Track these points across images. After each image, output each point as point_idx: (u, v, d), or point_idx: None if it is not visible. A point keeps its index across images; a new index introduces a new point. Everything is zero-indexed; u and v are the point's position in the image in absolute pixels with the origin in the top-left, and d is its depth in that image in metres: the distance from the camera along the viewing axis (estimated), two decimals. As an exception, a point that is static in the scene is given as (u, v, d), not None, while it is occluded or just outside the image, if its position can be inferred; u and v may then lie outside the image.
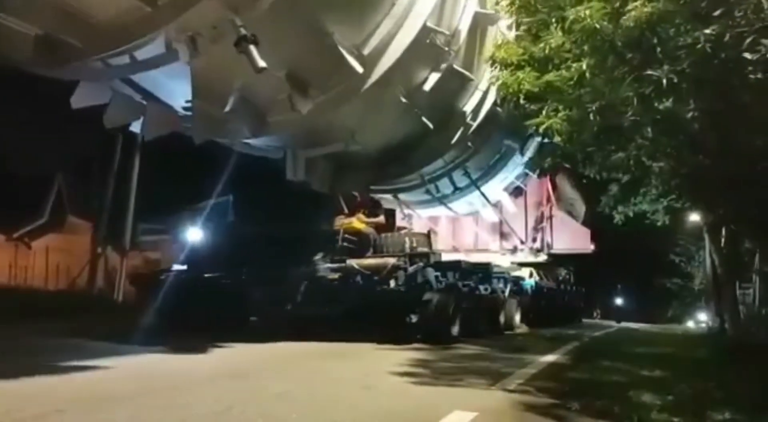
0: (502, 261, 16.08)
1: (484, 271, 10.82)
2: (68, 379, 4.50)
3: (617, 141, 6.28)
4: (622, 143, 6.32)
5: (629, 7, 5.03)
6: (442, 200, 14.13)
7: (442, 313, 7.98)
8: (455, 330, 8.35)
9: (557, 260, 17.90)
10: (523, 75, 6.23)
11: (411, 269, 8.04)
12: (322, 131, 8.55)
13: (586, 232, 16.88)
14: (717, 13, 4.70)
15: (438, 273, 8.46)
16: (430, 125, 9.07)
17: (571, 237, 17.37)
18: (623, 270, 25.89)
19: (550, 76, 5.98)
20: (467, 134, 10.71)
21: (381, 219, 8.89)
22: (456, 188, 13.08)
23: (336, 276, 8.12)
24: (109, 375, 4.74)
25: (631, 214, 10.27)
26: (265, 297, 8.46)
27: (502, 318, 10.78)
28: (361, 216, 9.05)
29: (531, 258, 16.92)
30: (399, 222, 15.40)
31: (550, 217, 17.76)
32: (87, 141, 13.96)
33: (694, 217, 12.35)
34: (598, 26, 5.30)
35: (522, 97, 6.33)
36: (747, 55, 4.64)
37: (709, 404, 4.19)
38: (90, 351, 6.00)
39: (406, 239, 8.37)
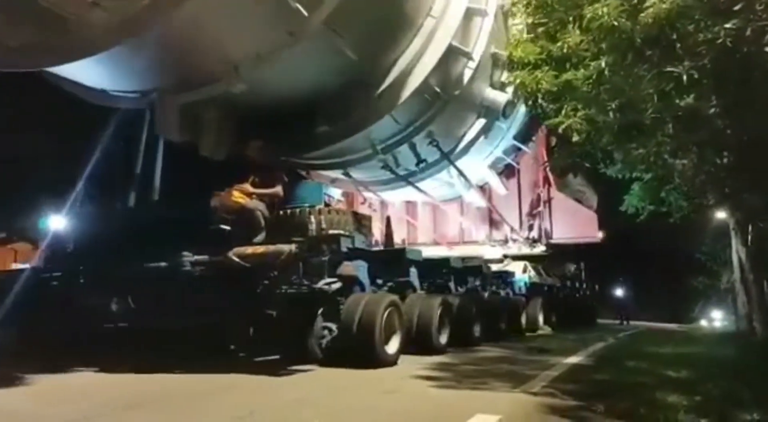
0: (491, 254, 15.33)
1: (446, 266, 9.54)
2: None
3: (638, 139, 6.65)
4: (643, 141, 6.67)
5: (647, 3, 5.44)
6: (407, 179, 12.38)
7: (371, 323, 6.30)
8: (393, 346, 6.75)
9: (560, 252, 16.79)
10: (541, 74, 6.61)
11: (315, 260, 6.31)
12: (185, 62, 6.64)
13: (592, 218, 15.70)
14: (737, 7, 5.06)
15: (374, 268, 7.28)
16: (353, 56, 7.18)
17: (573, 223, 15.91)
18: (641, 267, 26.36)
19: (568, 75, 6.42)
20: (420, 83, 8.70)
21: (277, 190, 7.35)
22: (420, 161, 11.20)
23: (205, 273, 6.35)
24: None
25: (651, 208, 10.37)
26: (107, 305, 6.55)
27: (477, 329, 9.37)
28: (245, 186, 7.23)
29: (526, 250, 15.79)
30: (359, 208, 14.59)
31: (549, 201, 16.21)
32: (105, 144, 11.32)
33: (720, 214, 12.49)
34: (616, 24, 5.70)
35: (540, 96, 6.74)
36: None
37: (737, 405, 4.34)
38: None
39: (312, 218, 5.39)
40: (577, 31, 6.14)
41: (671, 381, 5.72)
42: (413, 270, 7.99)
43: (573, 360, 7.48)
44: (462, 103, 10.54)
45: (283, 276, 5.96)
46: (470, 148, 12.33)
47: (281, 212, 6.90)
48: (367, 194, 14.14)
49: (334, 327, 6.32)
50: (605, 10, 5.66)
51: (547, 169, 15.71)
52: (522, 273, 14.13)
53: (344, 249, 6.27)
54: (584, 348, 9.10)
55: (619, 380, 5.81)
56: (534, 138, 15.92)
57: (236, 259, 5.87)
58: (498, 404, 4.43)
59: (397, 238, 16.12)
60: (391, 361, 6.36)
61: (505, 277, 12.45)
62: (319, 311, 6.26)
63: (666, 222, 10.74)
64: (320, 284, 6.04)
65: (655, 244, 21.95)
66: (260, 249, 6.11)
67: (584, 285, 18.52)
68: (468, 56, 9.28)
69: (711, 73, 5.43)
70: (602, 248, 17.01)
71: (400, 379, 5.67)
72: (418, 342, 7.18)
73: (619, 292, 22.31)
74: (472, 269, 10.51)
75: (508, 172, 16.39)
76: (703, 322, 24.81)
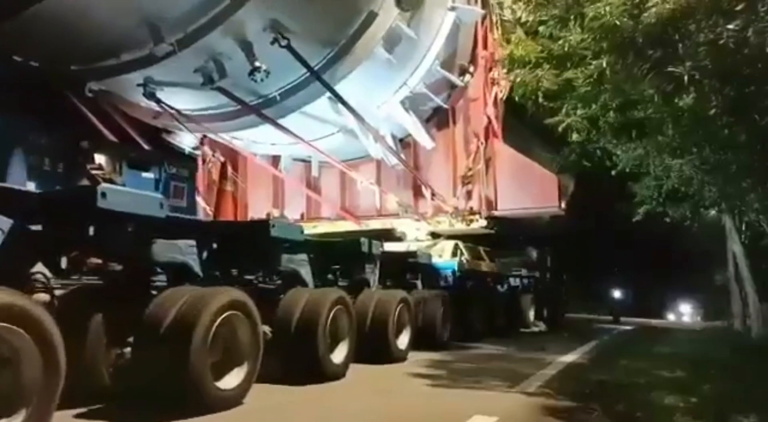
0: (413, 231, 15.21)
1: (264, 240, 7.38)
2: None
3: (638, 138, 8.74)
4: (643, 141, 8.81)
5: (650, 3, 7.24)
6: (258, 110, 11.50)
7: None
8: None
9: (513, 230, 16.42)
10: (542, 73, 8.48)
11: None
12: None
13: (551, 181, 15.14)
14: (739, 7, 6.75)
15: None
16: None
17: (526, 189, 15.34)
18: (626, 261, 29.90)
19: (569, 74, 8.30)
20: None
21: None
22: (256, 69, 9.89)
23: None
24: None
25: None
26: None
27: (329, 352, 7.68)
28: None
29: (461, 226, 15.40)
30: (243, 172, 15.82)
31: (492, 158, 15.64)
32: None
33: (716, 213, 14.23)
34: (617, 23, 7.44)
35: (541, 95, 8.67)
36: None
37: (733, 406, 5.66)
38: None
39: None
40: (579, 30, 7.90)
41: (667, 382, 7.45)
42: (183, 246, 6.29)
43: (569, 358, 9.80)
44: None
45: None
46: (357, 66, 11.46)
47: None
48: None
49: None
50: (607, 8, 7.34)
51: (491, 114, 15.86)
52: (451, 258, 14.13)
53: None
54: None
55: (614, 380, 7.59)
56: (472, 70, 16.05)
57: None
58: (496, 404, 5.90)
59: (295, 213, 16.52)
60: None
61: (416, 262, 11.96)
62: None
63: (661, 220, 12.73)
64: None
65: (646, 238, 24.77)
66: None
67: (547, 275, 19.75)
68: None
69: (712, 73, 7.10)
70: (575, 233, 18.55)
71: (396, 378, 7.41)
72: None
73: (613, 289, 27.27)
74: (344, 248, 9.50)
75: (439, 118, 16.56)
76: (671, 317, 32.38)
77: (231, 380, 5.74)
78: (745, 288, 14.07)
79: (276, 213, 15.89)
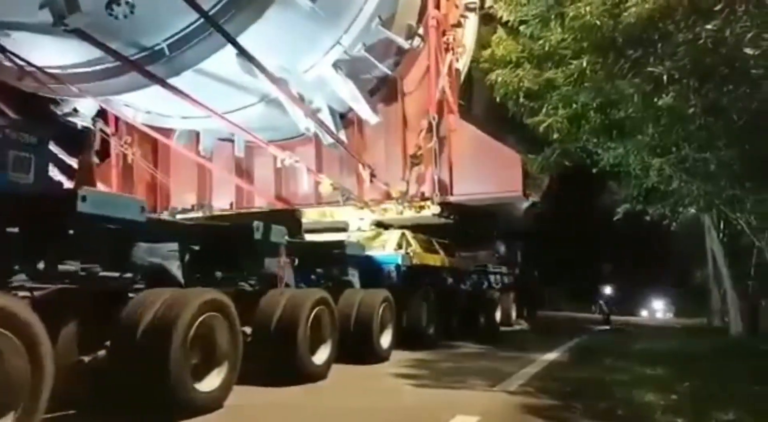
0: (356, 221, 13.66)
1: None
2: None
3: (618, 138, 9.39)
4: (623, 140, 9.42)
5: (630, 3, 8.01)
6: (141, 66, 9.36)
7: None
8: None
9: (474, 220, 14.88)
10: (522, 73, 9.17)
11: None
12: None
13: (513, 161, 13.30)
14: (718, 7, 7.44)
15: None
16: None
17: (486, 171, 13.53)
18: (609, 259, 31.98)
19: (549, 74, 9.00)
20: None
21: None
22: (114, 1, 7.97)
23: None
24: None
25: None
26: None
27: (197, 376, 6.10)
28: None
29: (410, 214, 13.78)
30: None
31: (447, 136, 13.84)
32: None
33: (695, 211, 14.43)
34: (598, 23, 8.19)
35: (522, 95, 9.37)
36: (748, 51, 7.32)
37: (713, 404, 6.07)
38: None
39: None
40: (559, 29, 8.61)
41: (648, 379, 8.04)
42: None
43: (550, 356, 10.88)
44: None
45: None
46: (265, 12, 9.51)
47: None
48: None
49: None
50: (587, 8, 8.06)
51: (445, 84, 14.15)
52: (396, 250, 12.99)
53: None
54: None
55: (595, 378, 8.20)
56: (420, 32, 14.42)
57: None
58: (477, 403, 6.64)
59: (224, 202, 15.32)
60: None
61: (344, 254, 10.46)
62: None
63: (641, 219, 13.30)
64: None
65: (624, 238, 26.12)
66: None
67: (517, 271, 19.10)
68: None
69: (691, 73, 7.81)
70: (555, 229, 20.65)
71: (377, 377, 8.00)
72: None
73: (599, 287, 28.37)
74: (235, 237, 7.79)
75: (387, 90, 15.07)
76: (644, 313, 34.09)
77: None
78: (724, 286, 14.99)
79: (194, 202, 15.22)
